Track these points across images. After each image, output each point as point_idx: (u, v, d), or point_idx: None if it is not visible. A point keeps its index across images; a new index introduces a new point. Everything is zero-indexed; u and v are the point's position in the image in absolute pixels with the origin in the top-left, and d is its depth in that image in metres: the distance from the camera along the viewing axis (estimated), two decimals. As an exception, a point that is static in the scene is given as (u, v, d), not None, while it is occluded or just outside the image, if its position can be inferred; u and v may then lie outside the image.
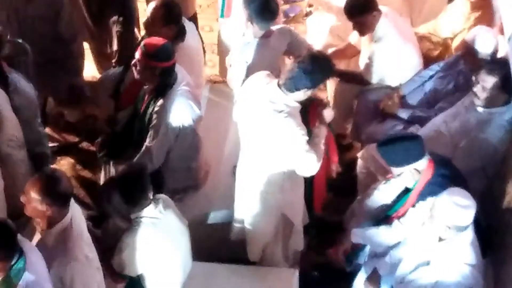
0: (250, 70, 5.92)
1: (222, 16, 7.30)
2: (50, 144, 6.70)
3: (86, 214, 5.35)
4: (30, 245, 4.40)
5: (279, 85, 5.16)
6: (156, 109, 5.70)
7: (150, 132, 5.71)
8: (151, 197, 5.03)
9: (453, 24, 6.77)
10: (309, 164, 5.22)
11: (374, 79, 6.48)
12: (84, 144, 7.58)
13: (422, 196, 5.12)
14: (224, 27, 7.29)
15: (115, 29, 7.14)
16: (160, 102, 5.67)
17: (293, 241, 5.94)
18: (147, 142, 5.71)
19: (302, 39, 6.48)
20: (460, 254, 4.76)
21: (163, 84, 5.65)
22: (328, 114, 5.42)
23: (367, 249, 5.63)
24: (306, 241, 6.06)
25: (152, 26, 6.13)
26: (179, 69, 5.74)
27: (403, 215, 5.26)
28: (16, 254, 4.12)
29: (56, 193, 4.49)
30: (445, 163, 5.20)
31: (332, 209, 6.34)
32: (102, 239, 5.32)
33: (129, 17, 7.25)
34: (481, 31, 5.90)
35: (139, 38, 7.02)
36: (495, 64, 5.37)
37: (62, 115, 7.78)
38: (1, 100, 5.47)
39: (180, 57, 5.84)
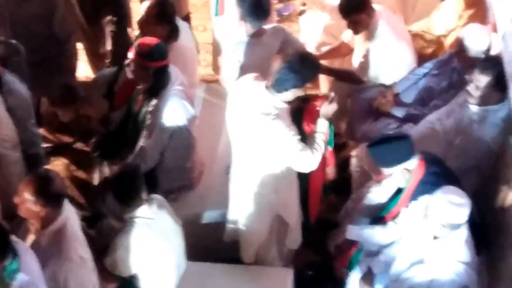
0: (243, 70, 5.92)
1: (216, 14, 7.30)
2: (44, 145, 6.69)
3: (80, 214, 5.33)
4: (24, 246, 4.40)
5: (267, 87, 5.12)
6: (150, 109, 5.70)
7: (144, 132, 5.71)
8: (145, 197, 5.02)
9: (447, 22, 6.78)
10: (305, 162, 5.20)
11: (368, 78, 6.47)
12: (78, 145, 7.56)
13: (415, 195, 5.13)
14: (218, 25, 7.29)
15: (108, 29, 7.13)
16: (154, 102, 5.66)
17: (289, 240, 5.94)
18: (141, 142, 5.71)
19: (296, 39, 6.48)
20: (454, 252, 4.77)
21: (157, 84, 5.65)
22: (328, 108, 5.38)
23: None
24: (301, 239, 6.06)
25: (145, 25, 6.13)
26: (173, 69, 5.74)
27: (396, 215, 5.26)
28: (10, 255, 4.10)
29: (49, 194, 4.50)
30: (435, 162, 5.21)
31: (327, 208, 6.33)
32: (96, 239, 5.31)
33: (122, 17, 7.25)
34: (474, 28, 5.89)
35: (133, 38, 7.02)
36: (489, 62, 5.36)
37: (56, 116, 7.77)
38: (-5, 100, 5.48)
39: (174, 57, 5.84)
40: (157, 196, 5.20)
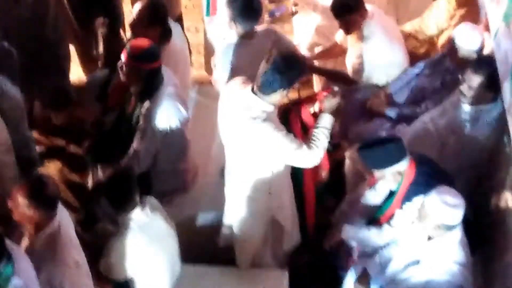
0: (234, 71, 5.92)
1: (207, 14, 7.29)
2: (37, 148, 6.68)
3: (74, 217, 5.32)
4: (19, 250, 4.38)
5: (254, 90, 5.09)
6: (142, 111, 5.68)
7: (137, 135, 5.69)
8: (139, 200, 5.02)
9: (439, 21, 6.77)
10: (304, 159, 5.18)
11: (361, 78, 6.47)
12: (72, 148, 7.56)
13: (407, 196, 5.14)
14: (210, 27, 7.28)
15: (100, 31, 7.12)
16: (147, 104, 5.65)
17: (284, 242, 5.94)
18: (134, 145, 5.70)
19: (287, 40, 6.47)
20: (449, 253, 4.78)
21: (150, 86, 5.63)
22: (332, 102, 5.34)
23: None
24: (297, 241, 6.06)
25: (137, 27, 6.11)
26: (165, 71, 5.72)
27: (391, 216, 5.26)
28: (5, 259, 4.08)
29: (43, 198, 4.49)
30: (426, 162, 5.21)
31: (321, 209, 6.32)
32: (90, 242, 5.30)
33: (114, 19, 7.23)
34: (466, 28, 5.90)
35: (125, 40, 7.00)
36: (481, 62, 5.37)
37: (49, 119, 7.76)
38: (-13, 104, 5.47)
39: (166, 59, 5.83)
40: (150, 199, 5.19)
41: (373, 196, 5.47)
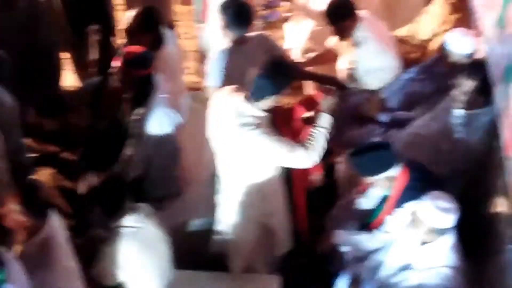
0: (226, 78, 5.92)
1: (198, 21, 7.30)
2: (30, 154, 6.66)
3: (67, 224, 5.31)
4: (11, 256, 4.37)
5: (246, 97, 5.09)
6: (136, 117, 5.69)
7: (130, 141, 5.70)
8: (131, 207, 5.02)
9: (431, 26, 6.79)
10: (300, 160, 5.17)
11: (353, 83, 6.48)
12: (65, 154, 7.53)
13: (400, 202, 5.14)
14: (203, 33, 7.29)
15: (93, 38, 7.12)
16: (140, 110, 5.65)
17: (276, 247, 5.93)
18: (127, 151, 5.70)
19: (280, 46, 6.48)
20: (442, 257, 4.78)
21: (143, 92, 5.65)
22: (329, 101, 5.34)
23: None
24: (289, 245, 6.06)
25: (131, 34, 6.13)
26: (159, 77, 5.73)
27: (383, 221, 5.27)
28: (-3, 265, 4.09)
29: (35, 204, 4.49)
30: (418, 167, 5.22)
31: (313, 213, 6.33)
32: (82, 248, 5.29)
33: (107, 26, 7.24)
34: (458, 33, 5.92)
35: (118, 47, 7.01)
36: (474, 67, 5.38)
37: (42, 125, 7.74)
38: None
39: (159, 65, 5.84)
40: (142, 205, 5.19)
41: (365, 201, 5.48)
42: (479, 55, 5.78)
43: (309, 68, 6.98)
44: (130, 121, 5.73)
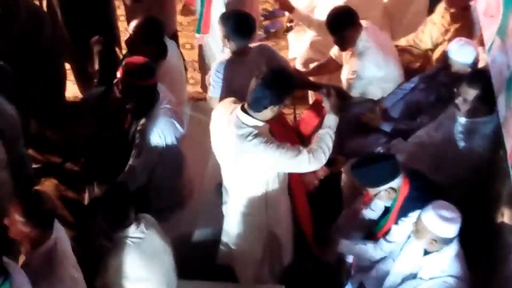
0: (227, 88, 5.92)
1: (198, 32, 7.29)
2: (34, 165, 6.67)
3: (70, 234, 5.32)
4: (16, 267, 4.37)
5: (245, 108, 5.07)
6: (139, 128, 5.69)
7: (133, 152, 5.70)
8: (134, 217, 5.02)
9: (433, 36, 6.80)
10: (306, 164, 5.16)
11: (356, 93, 6.47)
12: (68, 165, 7.56)
13: (403, 212, 5.13)
14: (206, 44, 7.30)
15: (96, 48, 7.12)
16: (143, 121, 5.66)
17: (283, 256, 5.92)
18: (130, 162, 5.70)
19: (281, 57, 6.47)
20: (446, 267, 4.76)
21: (145, 102, 5.65)
22: (332, 101, 5.36)
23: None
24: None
25: (134, 44, 6.13)
26: (161, 87, 5.74)
27: (387, 231, 5.26)
28: (2, 275, 4.08)
29: (39, 215, 4.49)
30: (419, 177, 5.21)
31: (318, 223, 6.32)
32: (86, 259, 5.29)
33: (110, 36, 7.24)
34: (460, 42, 5.91)
35: (121, 58, 7.02)
36: (476, 76, 5.38)
37: (45, 136, 7.76)
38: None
39: (162, 76, 5.86)
40: (145, 215, 5.19)
41: (369, 212, 5.47)
42: (481, 64, 5.79)
43: (312, 78, 6.98)
44: (133, 131, 5.73)
